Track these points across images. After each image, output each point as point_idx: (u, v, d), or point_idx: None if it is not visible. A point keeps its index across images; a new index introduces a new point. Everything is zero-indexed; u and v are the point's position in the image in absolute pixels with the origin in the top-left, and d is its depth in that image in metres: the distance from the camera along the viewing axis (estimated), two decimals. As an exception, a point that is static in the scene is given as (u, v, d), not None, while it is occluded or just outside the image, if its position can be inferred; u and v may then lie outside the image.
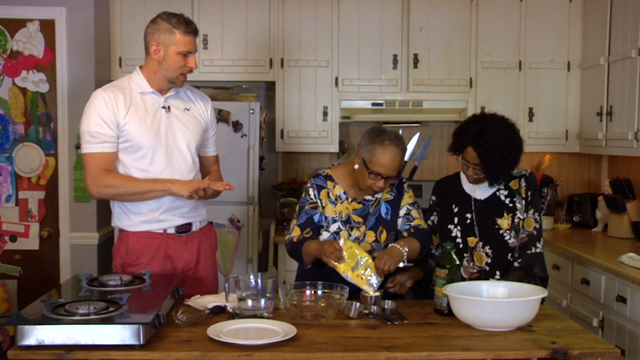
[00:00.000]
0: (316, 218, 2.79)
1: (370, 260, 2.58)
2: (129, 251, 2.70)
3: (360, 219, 2.78)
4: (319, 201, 2.80)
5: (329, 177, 2.83)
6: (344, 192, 2.80)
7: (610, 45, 4.06)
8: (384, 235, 2.78)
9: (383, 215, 2.80)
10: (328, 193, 2.81)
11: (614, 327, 3.23)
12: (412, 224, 2.79)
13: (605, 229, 4.17)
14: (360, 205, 2.80)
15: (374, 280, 2.56)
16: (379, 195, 2.80)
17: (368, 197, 2.80)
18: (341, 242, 2.58)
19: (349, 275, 2.55)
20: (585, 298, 3.53)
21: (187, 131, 2.75)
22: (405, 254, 2.61)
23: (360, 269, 2.56)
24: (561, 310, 3.58)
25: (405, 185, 2.87)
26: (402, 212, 2.81)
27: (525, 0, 4.45)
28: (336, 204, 2.79)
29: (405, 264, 2.66)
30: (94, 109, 2.62)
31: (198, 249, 2.81)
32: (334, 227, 2.77)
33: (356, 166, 2.71)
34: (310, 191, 2.82)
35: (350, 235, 2.76)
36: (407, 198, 2.84)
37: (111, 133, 2.62)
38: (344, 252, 2.55)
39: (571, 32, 4.47)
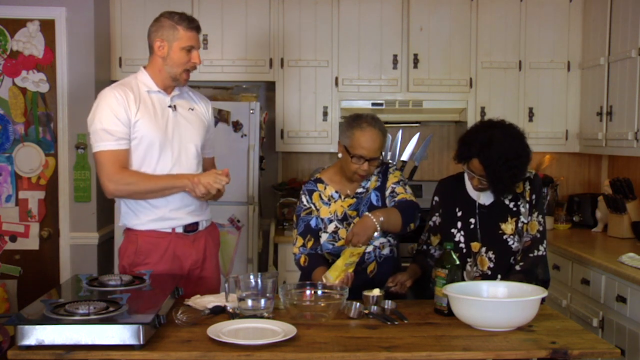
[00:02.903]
0: (313, 223, 2.82)
1: (340, 258, 2.61)
2: (138, 251, 2.69)
3: (355, 213, 2.80)
4: (312, 205, 2.83)
5: (319, 180, 2.87)
6: (336, 192, 2.83)
7: (610, 45, 4.06)
8: None
9: (374, 202, 2.82)
10: (320, 195, 2.83)
11: (614, 327, 3.23)
12: (396, 198, 2.77)
13: (605, 229, 4.17)
14: (354, 200, 2.82)
15: (355, 255, 2.59)
16: (368, 185, 2.82)
17: (360, 190, 2.81)
18: (325, 281, 2.58)
19: (343, 272, 2.58)
20: (585, 298, 3.53)
21: (193, 130, 2.76)
22: (378, 224, 2.58)
23: (342, 262, 2.58)
24: (561, 310, 3.58)
25: (391, 169, 2.87)
26: (387, 192, 2.82)
27: (525, 0, 4.45)
28: (330, 204, 2.82)
29: (380, 234, 2.66)
30: (107, 106, 2.61)
31: (204, 248, 2.82)
32: (331, 227, 2.79)
33: (339, 155, 2.75)
34: (303, 198, 2.86)
35: (347, 231, 2.76)
36: (392, 178, 2.84)
37: (125, 130, 2.61)
38: (335, 281, 2.56)
39: (571, 32, 4.47)
